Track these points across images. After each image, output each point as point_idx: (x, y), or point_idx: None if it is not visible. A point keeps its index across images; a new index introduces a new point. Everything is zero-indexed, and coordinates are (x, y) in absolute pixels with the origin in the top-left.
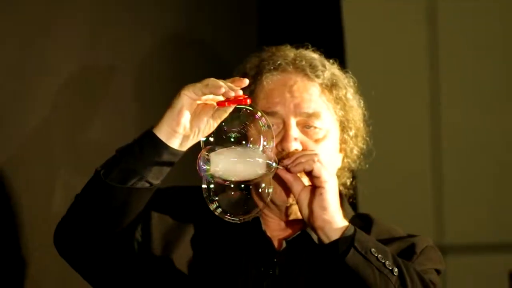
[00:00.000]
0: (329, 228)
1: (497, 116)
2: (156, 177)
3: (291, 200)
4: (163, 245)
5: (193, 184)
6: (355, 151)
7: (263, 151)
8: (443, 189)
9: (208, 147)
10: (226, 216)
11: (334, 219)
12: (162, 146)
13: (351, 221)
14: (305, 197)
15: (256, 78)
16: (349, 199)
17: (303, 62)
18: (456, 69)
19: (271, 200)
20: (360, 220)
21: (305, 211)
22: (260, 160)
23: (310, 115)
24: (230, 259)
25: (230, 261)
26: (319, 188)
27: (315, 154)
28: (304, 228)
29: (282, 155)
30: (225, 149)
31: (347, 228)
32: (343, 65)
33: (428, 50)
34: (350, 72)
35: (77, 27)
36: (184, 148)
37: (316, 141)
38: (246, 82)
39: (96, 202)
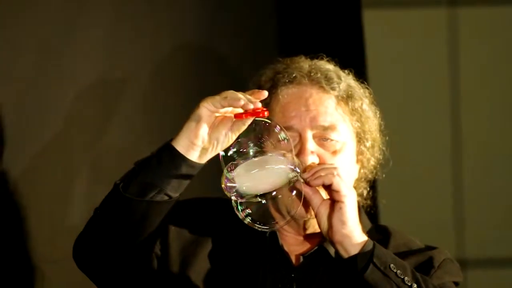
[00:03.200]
0: (348, 242)
1: None
2: (175, 189)
3: (309, 214)
4: (180, 259)
5: (212, 194)
6: (372, 162)
7: (284, 157)
8: (464, 201)
9: (229, 164)
10: (256, 225)
11: (353, 234)
12: (180, 158)
13: (368, 233)
14: (324, 211)
15: (271, 91)
16: (368, 210)
17: (318, 74)
18: (477, 78)
19: (289, 214)
20: (378, 232)
21: (324, 225)
22: (283, 166)
23: (326, 128)
24: (247, 274)
25: (247, 277)
26: (339, 202)
27: (335, 168)
28: (321, 243)
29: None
30: (246, 163)
31: (366, 243)
32: (363, 75)
33: (449, 60)
34: (371, 88)
35: (95, 38)
36: (203, 160)
37: (333, 153)
38: (265, 94)
39: (115, 215)
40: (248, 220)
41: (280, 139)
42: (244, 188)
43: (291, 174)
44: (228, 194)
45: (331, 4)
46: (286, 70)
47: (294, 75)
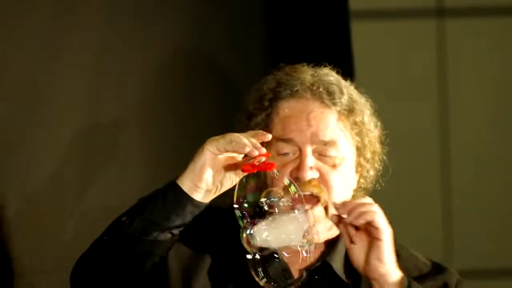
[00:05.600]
0: (385, 281)
1: (509, 138)
2: (178, 227)
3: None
4: (181, 277)
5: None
6: (371, 172)
7: (304, 214)
8: (452, 214)
9: (248, 219)
10: (271, 286)
11: (391, 271)
12: (186, 198)
13: None
14: (357, 246)
15: (272, 103)
16: None
17: (321, 89)
18: (465, 89)
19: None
20: None
21: (358, 261)
22: (302, 227)
23: (326, 143)
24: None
25: None
26: (377, 240)
27: (372, 203)
28: (324, 258)
29: (297, 184)
30: (267, 221)
31: (402, 279)
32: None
33: (437, 71)
34: (367, 95)
35: (86, 51)
36: (207, 200)
37: (333, 166)
38: (269, 137)
39: (118, 251)
40: (263, 282)
41: (293, 191)
42: (262, 244)
43: (308, 236)
44: (248, 249)
45: (320, 15)
46: (288, 82)
47: (296, 88)
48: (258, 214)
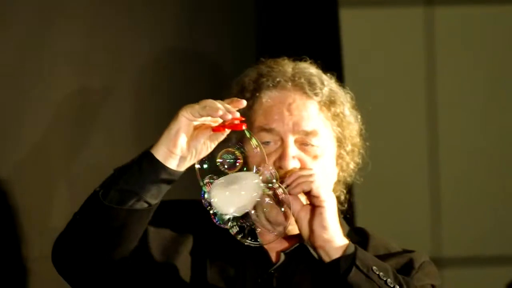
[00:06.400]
0: (330, 247)
1: (496, 127)
2: (154, 197)
3: (289, 220)
4: (161, 259)
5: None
6: (351, 166)
7: (259, 170)
8: (440, 202)
9: (206, 180)
10: (247, 240)
11: (335, 238)
12: (160, 166)
13: (347, 236)
14: (304, 216)
15: (254, 94)
16: (345, 214)
17: (302, 79)
18: (454, 78)
19: (269, 220)
20: (356, 234)
21: (305, 230)
22: (258, 180)
23: (308, 133)
24: (227, 271)
25: (227, 274)
26: (319, 208)
27: (311, 175)
28: (302, 241)
29: (280, 174)
30: (222, 180)
31: (347, 246)
32: (340, 75)
33: (425, 59)
34: (348, 88)
35: (73, 45)
36: (182, 168)
37: (314, 157)
38: (243, 103)
39: (95, 222)
40: (239, 236)
41: (255, 148)
42: (220, 204)
43: (266, 188)
44: (209, 209)
45: (309, 3)
46: (270, 73)
47: (278, 79)
48: (217, 173)
